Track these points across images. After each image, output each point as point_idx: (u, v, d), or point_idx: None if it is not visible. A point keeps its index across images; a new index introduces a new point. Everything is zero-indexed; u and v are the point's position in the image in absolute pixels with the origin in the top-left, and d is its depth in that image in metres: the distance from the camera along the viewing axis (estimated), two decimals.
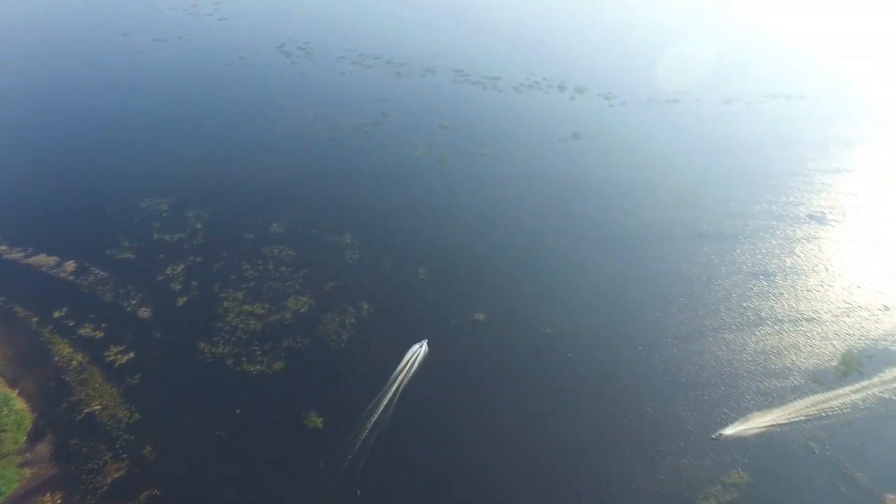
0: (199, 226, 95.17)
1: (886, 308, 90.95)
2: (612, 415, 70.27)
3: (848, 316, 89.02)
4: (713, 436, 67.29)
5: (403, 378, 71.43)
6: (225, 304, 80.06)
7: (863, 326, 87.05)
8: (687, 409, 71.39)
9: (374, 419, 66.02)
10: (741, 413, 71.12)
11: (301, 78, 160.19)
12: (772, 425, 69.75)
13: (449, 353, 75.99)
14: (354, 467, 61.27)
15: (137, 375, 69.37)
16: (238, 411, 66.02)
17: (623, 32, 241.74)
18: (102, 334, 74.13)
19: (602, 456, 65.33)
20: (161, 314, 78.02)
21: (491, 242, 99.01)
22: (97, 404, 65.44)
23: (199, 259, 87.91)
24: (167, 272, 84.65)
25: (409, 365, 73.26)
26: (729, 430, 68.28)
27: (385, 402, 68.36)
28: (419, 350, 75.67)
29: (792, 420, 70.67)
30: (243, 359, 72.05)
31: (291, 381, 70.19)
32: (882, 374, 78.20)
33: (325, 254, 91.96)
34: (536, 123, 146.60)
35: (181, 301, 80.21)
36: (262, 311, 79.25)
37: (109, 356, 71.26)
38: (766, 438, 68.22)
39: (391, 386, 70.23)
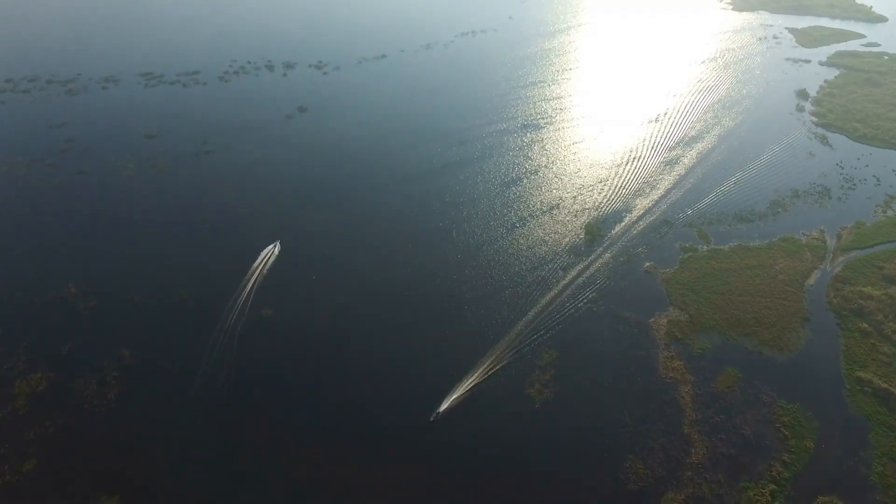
0: None
1: (603, 181, 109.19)
2: (437, 330, 70.57)
3: (580, 194, 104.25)
4: (432, 418, 61.94)
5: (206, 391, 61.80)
6: None
7: (592, 200, 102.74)
8: (491, 315, 75.35)
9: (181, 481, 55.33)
10: (533, 301, 77.84)
11: None
12: (556, 304, 77.98)
13: (251, 361, 67.12)
14: None
15: None
16: None
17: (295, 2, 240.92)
18: None
19: (439, 363, 65.26)
20: None
21: (247, 238, 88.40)
22: None
23: None
24: None
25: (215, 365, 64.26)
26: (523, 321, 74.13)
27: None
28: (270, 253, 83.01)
29: (570, 293, 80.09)
30: None
31: (55, 473, 54.63)
32: (612, 232, 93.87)
33: (46, 315, 72.51)
34: (257, 106, 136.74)
35: None
36: None
37: None
38: (558, 316, 75.88)
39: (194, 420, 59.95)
